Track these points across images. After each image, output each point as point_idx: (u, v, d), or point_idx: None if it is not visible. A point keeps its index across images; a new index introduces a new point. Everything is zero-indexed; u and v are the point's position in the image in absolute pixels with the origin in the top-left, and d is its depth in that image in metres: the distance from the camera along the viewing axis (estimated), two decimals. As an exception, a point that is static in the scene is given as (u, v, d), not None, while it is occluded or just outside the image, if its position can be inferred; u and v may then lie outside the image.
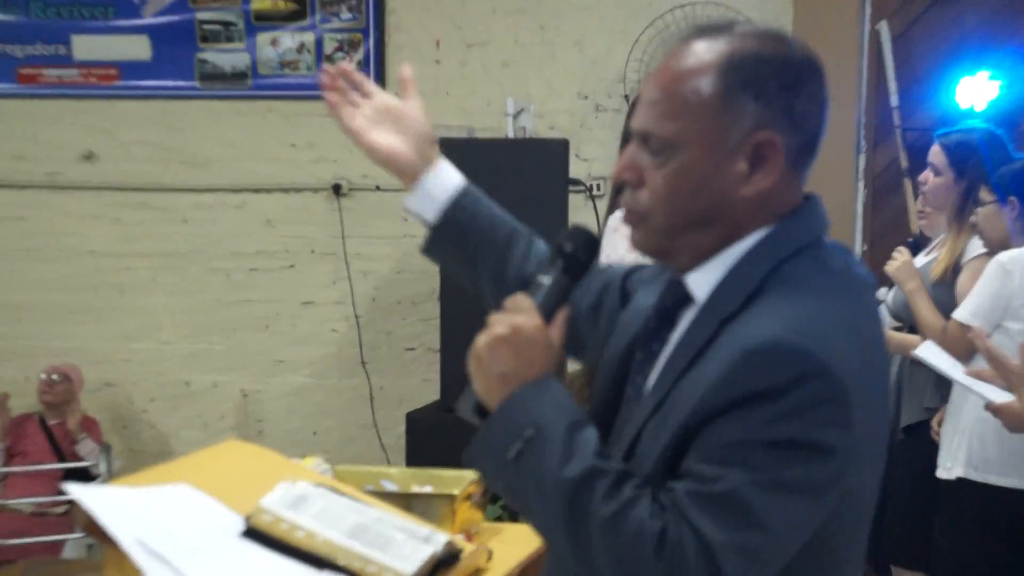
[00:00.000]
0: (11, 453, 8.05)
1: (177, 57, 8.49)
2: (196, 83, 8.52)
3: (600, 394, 2.30)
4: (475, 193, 2.59)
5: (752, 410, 1.86)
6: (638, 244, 2.16)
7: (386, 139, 2.50)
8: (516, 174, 6.91)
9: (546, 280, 2.14)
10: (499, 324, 2.02)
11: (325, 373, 8.65)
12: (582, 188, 7.74)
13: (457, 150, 7.38)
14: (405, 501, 3.25)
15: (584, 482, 1.88)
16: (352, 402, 8.49)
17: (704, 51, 2.03)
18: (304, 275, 8.57)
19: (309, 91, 8.32)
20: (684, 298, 2.12)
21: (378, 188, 8.34)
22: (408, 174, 2.51)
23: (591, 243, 2.22)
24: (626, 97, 7.70)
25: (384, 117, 2.54)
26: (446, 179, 2.53)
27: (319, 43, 8.38)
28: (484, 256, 2.58)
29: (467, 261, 2.61)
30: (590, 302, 2.51)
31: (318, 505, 2.75)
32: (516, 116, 7.66)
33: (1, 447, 8.04)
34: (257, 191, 8.62)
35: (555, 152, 7.28)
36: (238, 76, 8.48)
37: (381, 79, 8.31)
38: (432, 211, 2.52)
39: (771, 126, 1.99)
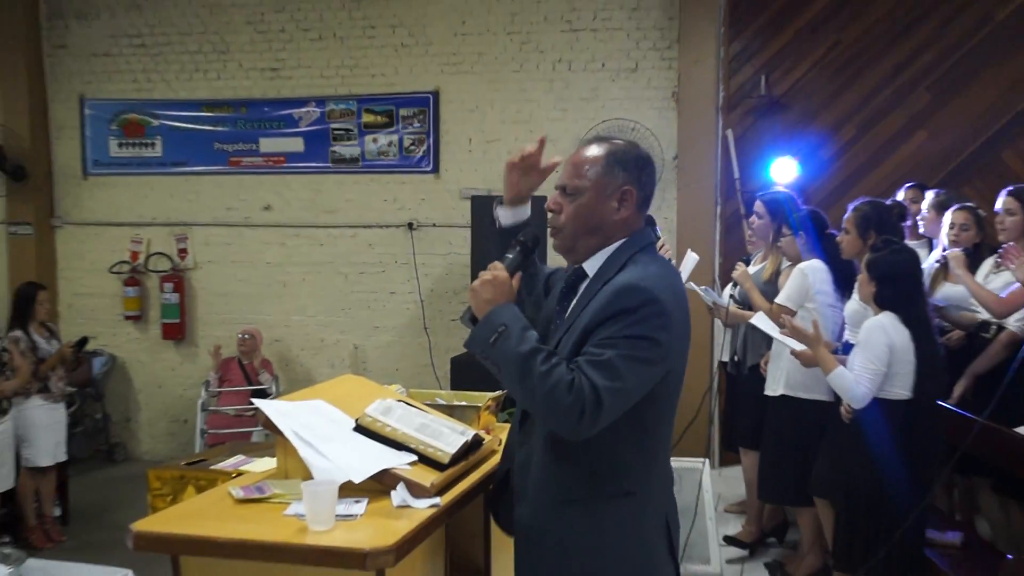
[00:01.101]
0: (221, 380, 8.97)
1: (319, 149, 9.49)
2: (329, 164, 9.48)
3: (538, 332, 2.62)
4: (532, 224, 3.06)
5: (620, 319, 2.47)
6: (557, 247, 2.73)
7: (517, 180, 2.95)
8: None
9: (510, 255, 2.72)
10: (487, 274, 2.60)
11: (402, 334, 9.45)
12: (556, 225, 8.48)
13: (483, 201, 7.93)
14: (450, 410, 3.49)
15: (530, 353, 2.43)
16: (419, 351, 9.32)
17: (597, 148, 2.68)
18: (391, 277, 9.42)
19: (394, 168, 9.33)
20: (581, 277, 2.72)
21: (435, 225, 9.22)
22: (511, 201, 3.00)
23: (536, 239, 2.79)
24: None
25: (527, 171, 2.94)
26: (523, 213, 3.03)
27: (400, 140, 9.28)
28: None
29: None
30: (536, 293, 3.05)
31: (398, 412, 3.10)
32: None
33: (216, 376, 8.98)
34: (364, 227, 9.47)
35: (539, 203, 7.46)
36: (353, 160, 9.41)
37: (437, 161, 9.20)
38: (507, 221, 3.02)
39: (631, 184, 2.65)
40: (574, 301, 2.71)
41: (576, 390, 2.36)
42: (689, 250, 6.08)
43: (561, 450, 2.57)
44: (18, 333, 7.28)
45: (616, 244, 2.68)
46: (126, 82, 10.02)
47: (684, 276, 5.47)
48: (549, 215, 2.70)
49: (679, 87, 8.65)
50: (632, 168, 2.66)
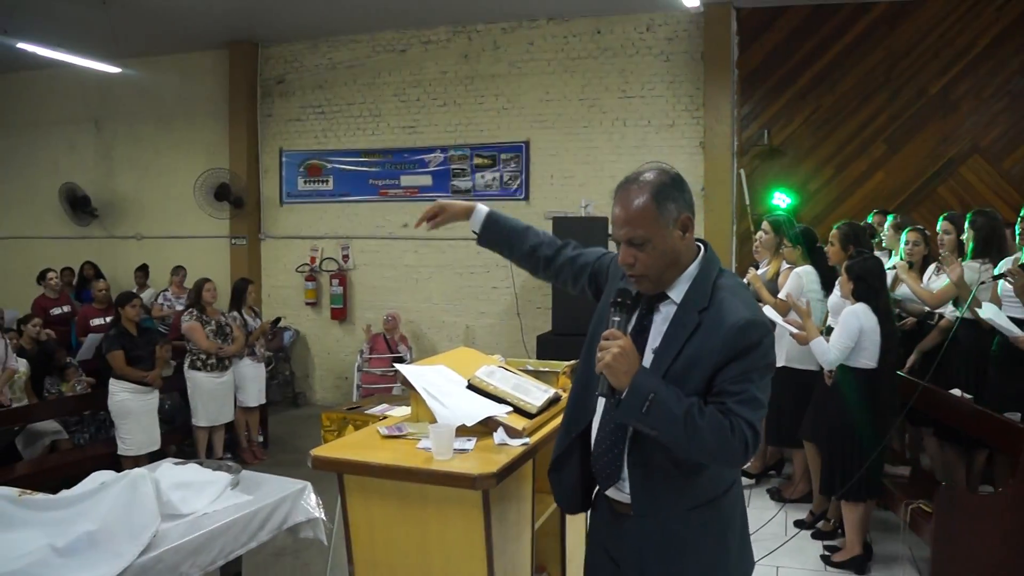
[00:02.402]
0: (371, 349, 9.01)
1: (442, 183, 9.52)
2: (450, 194, 9.34)
3: (589, 341, 2.31)
4: (496, 214, 2.67)
5: (748, 354, 2.00)
6: (644, 289, 2.16)
7: (442, 221, 2.65)
8: (586, 233, 7.40)
9: (617, 319, 2.11)
10: (613, 346, 2.02)
11: (501, 318, 9.40)
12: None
13: (565, 221, 7.95)
14: (536, 374, 3.36)
15: (688, 411, 1.96)
16: (513, 330, 9.23)
17: (640, 194, 2.08)
18: (493, 276, 9.36)
19: (496, 196, 9.22)
20: (661, 298, 2.16)
21: None
22: (462, 218, 2.66)
23: (629, 292, 2.16)
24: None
25: (444, 217, 2.66)
26: (479, 213, 2.65)
27: (501, 177, 9.30)
28: (514, 242, 2.64)
29: (504, 246, 2.66)
30: (585, 280, 2.55)
31: (499, 375, 3.04)
32: (585, 207, 8.43)
33: (368, 346, 9.03)
34: (474, 239, 9.42)
35: (602, 223, 7.84)
36: (467, 191, 9.36)
37: (528, 191, 9.22)
38: (476, 226, 2.65)
39: (685, 210, 2.10)
40: (658, 324, 2.17)
41: (739, 431, 1.98)
42: None
43: (687, 466, 2.12)
44: (235, 313, 7.61)
45: (692, 268, 2.16)
46: (310, 138, 10.27)
47: None
48: (625, 267, 2.15)
49: (704, 138, 8.57)
50: (676, 195, 2.12)
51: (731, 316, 2.04)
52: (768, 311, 5.38)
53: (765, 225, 6.37)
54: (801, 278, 5.64)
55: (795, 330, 5.06)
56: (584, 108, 9.05)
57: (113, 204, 11.41)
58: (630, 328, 2.19)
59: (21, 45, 8.96)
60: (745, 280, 6.11)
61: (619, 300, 2.15)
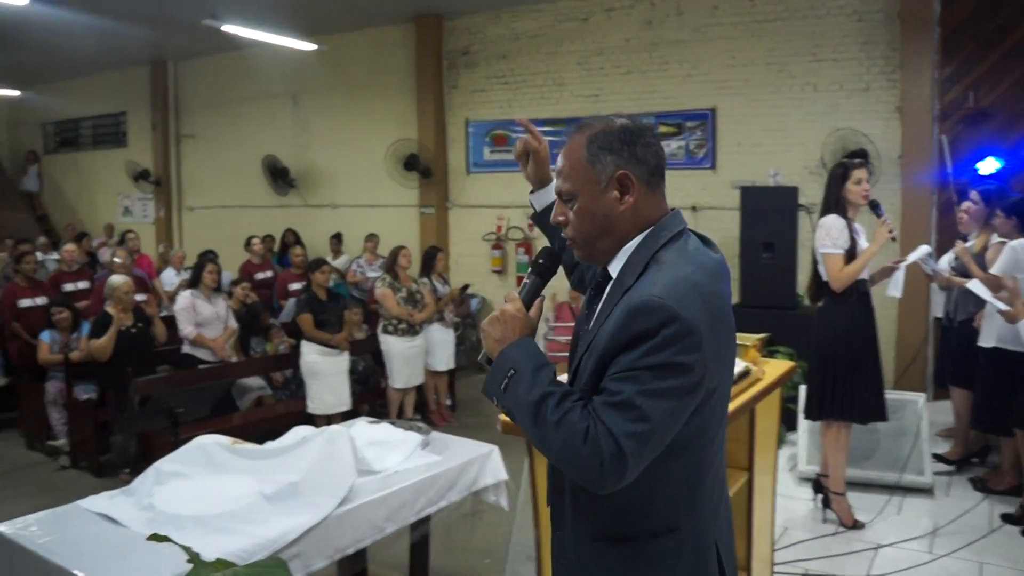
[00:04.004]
0: (556, 318, 8.94)
1: None
2: None
3: (573, 338, 2.00)
4: None
5: (637, 347, 1.63)
6: (580, 259, 1.91)
7: (530, 169, 2.31)
8: (773, 202, 7.35)
9: (528, 281, 1.92)
10: (497, 310, 1.84)
11: None
12: (804, 208, 7.75)
13: (753, 191, 7.68)
14: None
15: (540, 401, 1.67)
16: None
17: (576, 140, 1.82)
18: None
19: (682, 166, 9.16)
20: (607, 278, 1.86)
21: (712, 208, 8.91)
22: (539, 186, 2.33)
23: (554, 256, 2.00)
24: (824, 166, 7.84)
25: (531, 157, 2.31)
26: (550, 195, 2.29)
27: (687, 145, 9.15)
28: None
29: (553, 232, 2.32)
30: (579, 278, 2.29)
31: None
32: (774, 176, 8.39)
33: (553, 315, 8.98)
34: None
35: (791, 193, 7.56)
36: None
37: (714, 159, 9.04)
38: (540, 205, 2.34)
39: (624, 166, 1.77)
40: (599, 307, 1.85)
41: (591, 440, 1.61)
42: (924, 246, 5.68)
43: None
44: (425, 279, 7.86)
45: (635, 241, 1.82)
46: (495, 108, 10.55)
47: (910, 260, 5.18)
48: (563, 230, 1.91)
49: (901, 102, 8.15)
50: (619, 147, 1.79)
51: (631, 297, 1.70)
52: (975, 286, 5.19)
53: (974, 195, 6.05)
54: (1017, 252, 5.27)
55: (1002, 305, 4.82)
56: (772, 73, 8.79)
57: (309, 174, 12.26)
58: (584, 308, 1.98)
59: (226, 28, 9.70)
60: (952, 254, 5.93)
61: (538, 260, 1.98)
